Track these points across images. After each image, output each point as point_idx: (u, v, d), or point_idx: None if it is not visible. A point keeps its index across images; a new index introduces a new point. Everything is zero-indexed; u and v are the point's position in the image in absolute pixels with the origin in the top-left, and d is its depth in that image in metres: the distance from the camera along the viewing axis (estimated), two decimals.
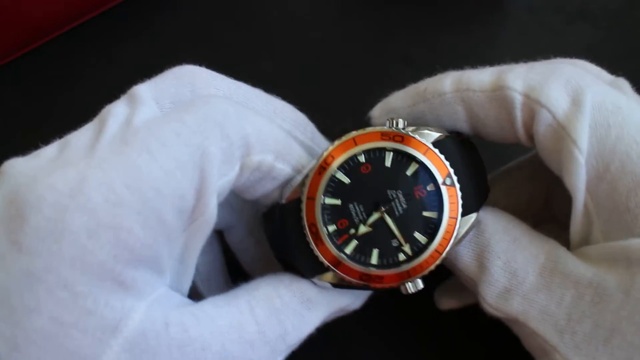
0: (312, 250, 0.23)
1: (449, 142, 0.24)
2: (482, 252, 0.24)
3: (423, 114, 0.25)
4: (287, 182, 0.25)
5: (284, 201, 0.24)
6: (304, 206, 0.24)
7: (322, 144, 0.27)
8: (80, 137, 0.22)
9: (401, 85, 0.28)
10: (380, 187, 0.24)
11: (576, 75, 0.23)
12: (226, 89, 0.24)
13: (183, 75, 0.24)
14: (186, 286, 0.23)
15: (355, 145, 0.24)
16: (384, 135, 0.24)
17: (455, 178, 0.23)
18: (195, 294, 0.28)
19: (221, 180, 0.22)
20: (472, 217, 0.24)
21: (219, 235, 0.30)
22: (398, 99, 0.26)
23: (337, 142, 0.24)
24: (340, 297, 0.25)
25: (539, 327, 0.22)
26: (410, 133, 0.24)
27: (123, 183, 0.20)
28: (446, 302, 0.30)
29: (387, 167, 0.24)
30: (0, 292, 0.19)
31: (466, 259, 0.24)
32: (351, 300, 0.25)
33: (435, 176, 0.23)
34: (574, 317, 0.22)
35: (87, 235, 0.19)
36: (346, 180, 0.24)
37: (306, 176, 0.24)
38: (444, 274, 0.29)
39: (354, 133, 0.24)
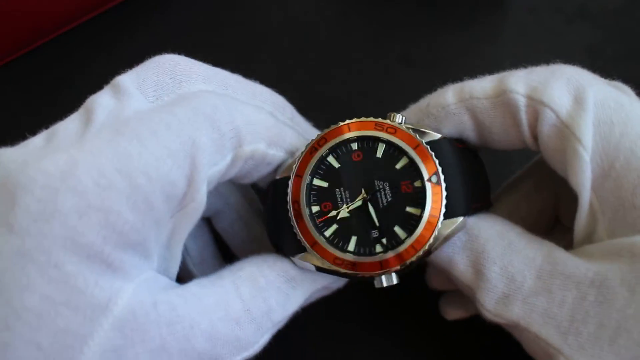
0: (292, 227, 0.24)
1: (444, 144, 0.24)
2: (478, 258, 0.24)
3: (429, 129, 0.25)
4: (284, 161, 0.25)
5: (277, 177, 0.25)
6: (291, 183, 0.24)
7: (302, 125, 0.28)
8: (67, 126, 0.22)
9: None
10: (369, 176, 0.24)
11: (576, 74, 0.23)
12: (205, 74, 0.25)
13: (163, 63, 0.25)
14: (173, 271, 0.24)
15: (349, 131, 0.24)
16: (378, 126, 0.24)
17: (442, 177, 0.23)
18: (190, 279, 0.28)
19: (211, 169, 0.22)
20: (457, 220, 0.23)
21: (208, 221, 0.31)
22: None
23: (332, 126, 0.25)
24: (322, 276, 0.25)
25: (542, 331, 0.22)
26: (404, 128, 0.24)
27: (114, 168, 0.20)
28: (453, 313, 0.30)
29: (378, 158, 0.24)
30: None
31: (462, 266, 0.24)
32: (333, 279, 0.25)
33: (422, 171, 0.23)
34: (577, 317, 0.22)
35: (77, 216, 0.19)
36: (336, 164, 0.24)
37: (299, 155, 0.24)
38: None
39: (348, 120, 0.25)
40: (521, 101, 0.23)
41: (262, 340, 0.24)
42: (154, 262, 0.22)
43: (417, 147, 0.24)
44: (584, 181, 0.22)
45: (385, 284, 0.23)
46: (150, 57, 0.25)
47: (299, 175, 0.24)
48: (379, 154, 0.24)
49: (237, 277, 0.24)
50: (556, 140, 0.23)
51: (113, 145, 0.21)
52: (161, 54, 0.25)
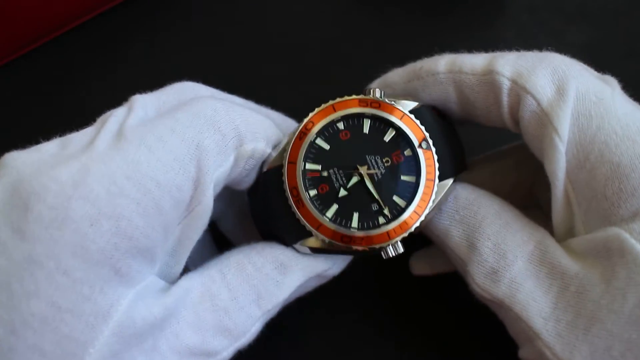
0: (294, 214, 0.24)
1: (424, 111, 0.25)
2: (473, 232, 0.24)
3: (416, 91, 0.26)
4: (269, 154, 0.25)
5: (265, 169, 0.25)
6: (285, 170, 0.24)
7: None
8: (82, 137, 0.23)
9: None
10: (359, 153, 0.24)
11: (564, 64, 0.24)
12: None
13: (184, 90, 0.25)
14: (174, 277, 0.24)
15: (334, 111, 0.25)
16: (362, 102, 0.25)
17: (431, 142, 0.24)
18: None
19: (217, 171, 0.23)
20: (449, 182, 0.24)
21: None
22: (396, 75, 0.27)
23: (317, 109, 0.25)
24: (315, 262, 0.25)
25: (523, 313, 0.23)
26: (387, 100, 0.25)
27: (124, 175, 0.21)
28: (419, 268, 0.31)
29: (365, 134, 0.25)
30: (1, 278, 0.19)
31: (457, 238, 0.25)
32: (328, 266, 0.25)
33: (412, 140, 0.24)
34: (559, 306, 0.22)
35: (89, 223, 0.20)
36: (326, 146, 0.25)
37: (287, 142, 0.25)
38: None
39: (332, 101, 0.25)
40: (505, 84, 0.24)
41: (253, 328, 0.24)
42: (156, 267, 0.23)
43: (402, 117, 0.24)
44: (558, 171, 0.23)
45: (393, 254, 0.24)
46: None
47: (292, 162, 0.24)
48: (366, 130, 0.25)
49: (224, 266, 0.24)
50: (535, 127, 0.24)
51: (122, 152, 0.21)
52: (182, 81, 0.26)
